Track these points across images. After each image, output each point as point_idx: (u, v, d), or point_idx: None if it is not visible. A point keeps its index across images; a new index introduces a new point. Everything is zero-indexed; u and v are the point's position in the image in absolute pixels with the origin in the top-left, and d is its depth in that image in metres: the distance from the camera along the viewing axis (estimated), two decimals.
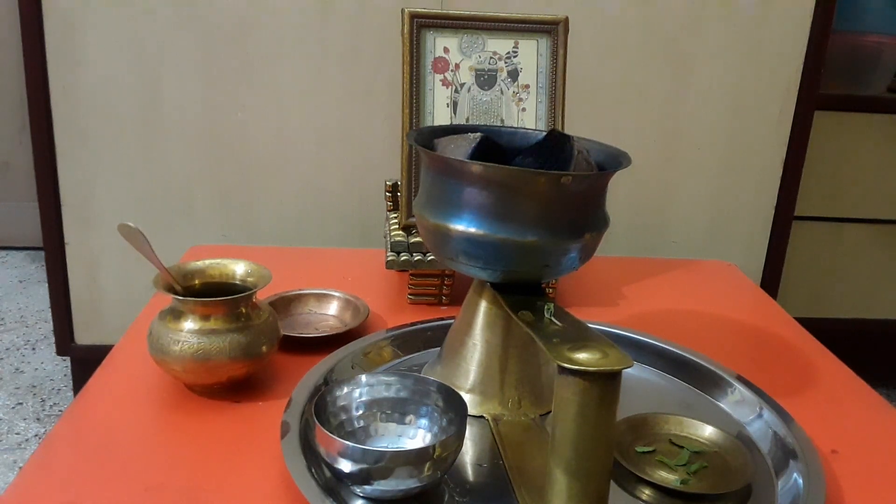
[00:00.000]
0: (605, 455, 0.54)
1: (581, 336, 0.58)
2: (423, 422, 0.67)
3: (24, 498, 0.61)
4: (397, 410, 0.67)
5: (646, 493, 0.64)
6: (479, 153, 0.71)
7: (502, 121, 1.01)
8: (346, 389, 0.67)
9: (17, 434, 1.52)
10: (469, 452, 0.69)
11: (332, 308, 0.96)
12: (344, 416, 0.66)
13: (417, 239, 0.98)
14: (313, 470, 0.61)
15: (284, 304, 0.94)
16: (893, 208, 1.71)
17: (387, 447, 0.65)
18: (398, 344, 0.87)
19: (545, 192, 0.65)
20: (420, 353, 0.86)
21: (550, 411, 0.72)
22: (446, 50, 1.00)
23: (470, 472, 0.67)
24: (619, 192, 1.46)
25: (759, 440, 0.73)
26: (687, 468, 0.66)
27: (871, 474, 0.70)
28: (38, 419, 1.57)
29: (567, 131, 0.83)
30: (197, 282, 0.78)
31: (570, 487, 0.54)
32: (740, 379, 0.80)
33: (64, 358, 1.67)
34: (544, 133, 0.78)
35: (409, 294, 1.02)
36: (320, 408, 0.63)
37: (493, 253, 0.67)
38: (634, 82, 1.43)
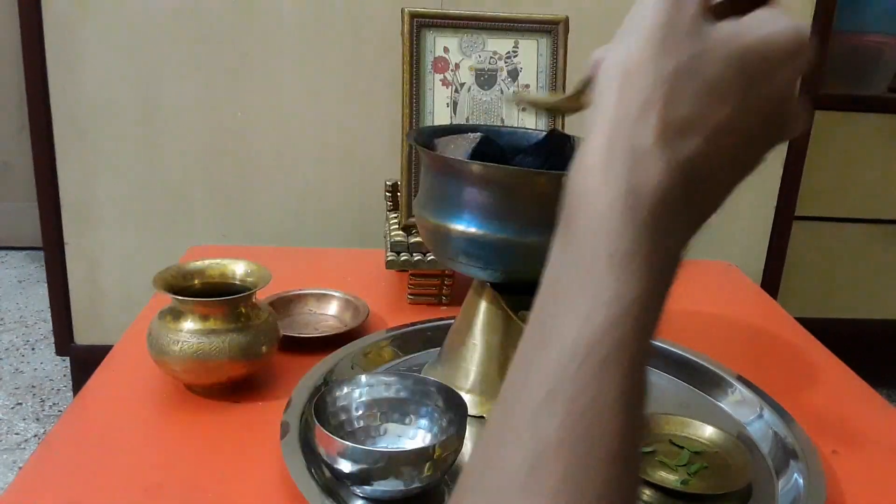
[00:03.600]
0: None
1: None
2: (423, 422, 0.67)
3: (24, 498, 0.61)
4: (397, 410, 0.67)
5: (646, 493, 0.64)
6: (478, 153, 0.71)
7: (502, 121, 1.01)
8: (346, 389, 0.66)
9: (17, 434, 1.52)
10: (469, 453, 0.69)
11: (332, 308, 0.96)
12: (344, 416, 0.66)
13: (417, 239, 0.98)
14: (313, 470, 0.61)
15: (284, 304, 0.94)
16: (893, 208, 1.71)
17: (387, 447, 0.65)
18: (398, 344, 0.86)
19: (545, 192, 0.65)
20: (420, 353, 0.86)
21: None
22: (446, 50, 1.00)
23: None
24: None
25: (759, 440, 0.73)
26: (687, 468, 0.66)
27: (871, 474, 0.70)
28: (37, 419, 1.57)
29: (567, 131, 0.83)
30: (197, 282, 0.78)
31: None
32: (740, 379, 0.80)
33: (64, 358, 1.67)
34: (544, 133, 0.78)
35: (409, 294, 1.01)
36: (320, 408, 0.63)
37: (493, 253, 0.67)
38: None
